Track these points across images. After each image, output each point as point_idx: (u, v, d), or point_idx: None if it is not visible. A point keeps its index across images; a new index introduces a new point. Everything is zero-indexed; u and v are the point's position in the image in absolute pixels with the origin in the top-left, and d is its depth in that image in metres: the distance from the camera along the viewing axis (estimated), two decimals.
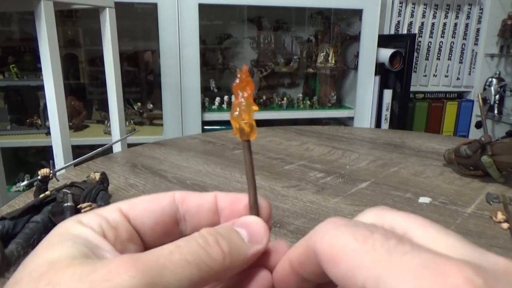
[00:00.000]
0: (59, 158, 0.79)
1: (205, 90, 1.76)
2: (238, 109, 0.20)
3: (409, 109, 1.94)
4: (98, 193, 0.49)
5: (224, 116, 1.67)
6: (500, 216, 0.51)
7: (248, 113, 0.20)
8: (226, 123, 1.65)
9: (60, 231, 0.16)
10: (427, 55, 2.01)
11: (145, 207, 0.19)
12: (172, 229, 0.20)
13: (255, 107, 0.20)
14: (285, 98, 1.80)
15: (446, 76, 2.06)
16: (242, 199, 0.20)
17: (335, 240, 0.15)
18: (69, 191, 0.45)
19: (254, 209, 0.20)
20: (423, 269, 0.12)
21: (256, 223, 0.19)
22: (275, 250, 0.19)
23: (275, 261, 0.19)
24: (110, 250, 0.16)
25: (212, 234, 0.17)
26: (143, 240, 0.19)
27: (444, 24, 1.98)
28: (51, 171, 0.49)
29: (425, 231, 0.15)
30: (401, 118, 1.81)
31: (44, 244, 0.16)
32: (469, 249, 0.14)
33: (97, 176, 0.54)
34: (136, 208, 0.19)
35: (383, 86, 1.78)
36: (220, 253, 0.16)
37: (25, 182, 0.52)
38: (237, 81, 0.20)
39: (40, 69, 0.77)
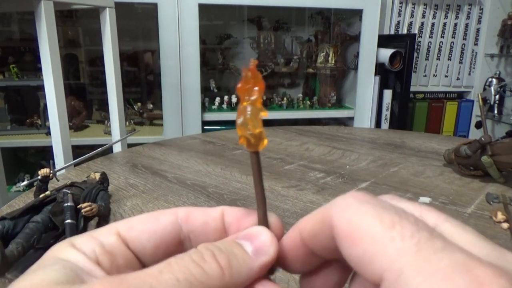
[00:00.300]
0: (59, 158, 0.79)
1: (205, 90, 1.76)
2: (242, 117, 0.17)
3: (409, 109, 1.94)
4: (98, 193, 0.49)
5: (224, 116, 1.67)
6: (500, 216, 0.51)
7: (255, 121, 0.17)
8: (226, 123, 1.65)
9: (51, 255, 0.16)
10: (427, 55, 2.01)
11: (144, 228, 0.18)
12: (176, 251, 0.18)
13: (264, 113, 0.17)
14: (285, 98, 1.80)
15: (446, 76, 2.06)
16: (251, 215, 0.19)
17: (357, 218, 0.14)
18: (69, 191, 0.45)
19: (263, 225, 0.18)
20: (454, 272, 0.11)
21: (260, 233, 0.17)
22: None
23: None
24: (102, 276, 0.15)
25: (209, 249, 0.16)
26: (143, 265, 0.18)
27: (444, 24, 1.98)
28: (51, 171, 0.49)
29: (448, 225, 0.14)
30: (401, 118, 1.81)
31: (33, 267, 0.15)
32: (488, 248, 0.13)
33: (97, 176, 0.54)
34: (134, 230, 0.17)
35: (383, 86, 1.78)
36: (217, 269, 0.15)
37: (25, 182, 0.52)
38: (242, 81, 0.17)
39: (40, 69, 0.77)
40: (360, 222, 0.13)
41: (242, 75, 0.17)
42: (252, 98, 0.17)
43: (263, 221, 0.18)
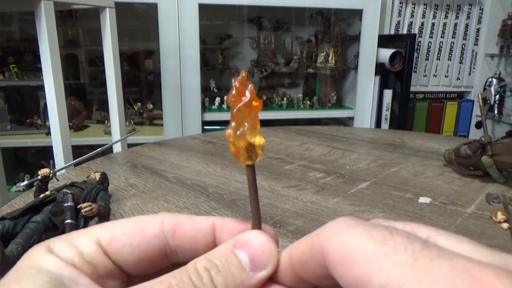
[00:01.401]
0: (59, 158, 0.79)
1: (205, 90, 1.76)
2: (236, 131, 0.17)
3: (409, 109, 1.94)
4: (98, 193, 0.49)
5: (224, 116, 1.67)
6: (500, 216, 0.51)
7: (250, 136, 0.17)
8: (226, 123, 1.63)
9: (28, 263, 0.15)
10: (427, 55, 2.01)
11: (127, 241, 0.17)
12: (160, 263, 0.17)
13: (256, 128, 0.17)
14: (285, 98, 1.80)
15: (446, 76, 2.06)
16: (244, 228, 0.18)
17: (349, 241, 0.13)
18: (69, 191, 0.45)
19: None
20: (455, 277, 0.11)
21: (259, 243, 0.16)
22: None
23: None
24: (89, 283, 0.15)
25: (207, 269, 0.15)
26: (126, 273, 0.17)
27: (444, 24, 1.98)
28: (51, 171, 0.49)
29: (442, 238, 0.14)
30: (401, 118, 1.81)
31: (10, 276, 0.14)
32: (489, 255, 0.13)
33: (97, 176, 0.54)
34: (116, 242, 0.16)
35: (383, 86, 1.78)
36: None
37: (25, 182, 0.52)
38: (233, 95, 0.17)
39: (40, 69, 0.77)
40: (352, 243, 0.13)
41: (233, 88, 0.17)
42: (247, 122, 0.17)
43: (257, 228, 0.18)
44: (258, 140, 0.17)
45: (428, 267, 0.11)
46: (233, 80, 0.17)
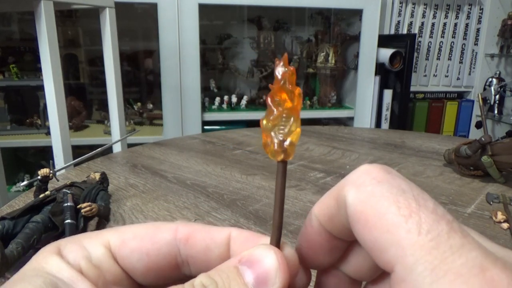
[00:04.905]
0: (59, 158, 0.79)
1: (205, 90, 1.76)
2: (274, 120, 0.15)
3: (409, 109, 1.94)
4: (98, 193, 0.49)
5: (224, 116, 1.67)
6: (500, 216, 0.51)
7: (294, 126, 0.15)
8: (226, 123, 1.65)
9: (34, 264, 0.15)
10: (427, 55, 2.01)
11: (137, 246, 0.16)
12: (170, 274, 0.16)
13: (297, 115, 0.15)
14: None
15: (446, 76, 2.06)
16: (259, 242, 0.16)
17: (372, 201, 0.13)
18: (69, 191, 0.45)
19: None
20: (467, 273, 0.11)
21: (265, 257, 0.15)
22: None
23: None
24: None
25: (204, 286, 0.14)
26: (134, 281, 0.16)
27: (444, 24, 1.98)
28: (51, 171, 0.49)
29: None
30: (401, 118, 1.81)
31: (16, 277, 0.14)
32: (494, 248, 0.12)
33: (97, 176, 0.54)
34: (126, 247, 0.16)
35: (383, 86, 1.78)
36: None
37: (25, 182, 0.52)
38: (279, 79, 0.15)
39: (40, 69, 0.77)
40: (375, 205, 0.12)
41: (277, 71, 0.15)
42: (290, 102, 0.15)
43: (276, 245, 0.16)
44: (295, 135, 0.15)
45: (444, 257, 0.11)
46: (275, 65, 0.15)
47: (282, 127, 0.15)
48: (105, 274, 0.15)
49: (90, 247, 0.15)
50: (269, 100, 0.15)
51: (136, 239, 0.16)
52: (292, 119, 0.15)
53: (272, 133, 0.15)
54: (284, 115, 0.15)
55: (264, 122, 0.15)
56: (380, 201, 0.12)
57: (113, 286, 0.15)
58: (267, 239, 0.16)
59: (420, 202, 0.12)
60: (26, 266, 0.15)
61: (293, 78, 0.15)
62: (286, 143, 0.15)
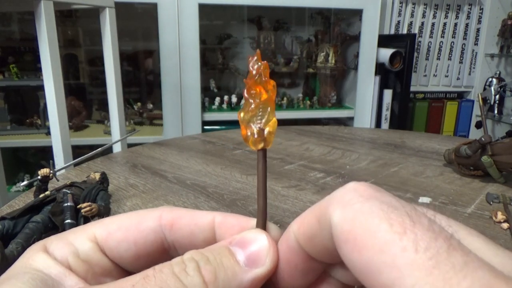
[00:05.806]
0: (59, 158, 0.79)
1: (205, 90, 1.76)
2: (252, 111, 0.16)
3: (409, 109, 1.94)
4: (98, 193, 0.49)
5: (224, 116, 1.67)
6: (500, 216, 0.51)
7: (271, 115, 0.16)
8: (226, 123, 1.65)
9: (22, 262, 0.15)
10: (427, 55, 2.01)
11: (123, 237, 0.16)
12: (159, 258, 0.16)
13: (271, 107, 0.16)
14: (285, 98, 1.80)
15: (446, 76, 2.06)
16: (247, 225, 0.16)
17: (361, 219, 0.11)
18: (69, 191, 0.45)
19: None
20: None
21: (256, 239, 0.15)
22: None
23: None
24: (75, 283, 0.14)
25: (194, 259, 0.14)
26: (124, 270, 0.16)
27: (444, 24, 1.98)
28: (51, 171, 0.49)
29: (463, 232, 0.12)
30: (401, 118, 1.81)
31: (3, 276, 0.14)
32: (500, 254, 0.12)
33: (97, 176, 0.53)
34: (112, 238, 0.16)
35: (383, 86, 1.78)
36: (199, 284, 0.13)
37: (25, 182, 0.52)
38: (252, 75, 0.16)
39: (40, 69, 0.77)
40: (365, 223, 0.11)
41: (251, 67, 0.16)
42: (261, 96, 0.16)
43: (262, 227, 0.16)
44: (272, 124, 0.16)
45: (447, 278, 0.10)
46: (249, 62, 0.16)
47: (259, 117, 0.16)
48: (94, 267, 0.15)
49: (77, 242, 0.16)
50: (245, 93, 0.16)
51: (121, 230, 0.16)
52: (268, 109, 0.16)
53: (252, 124, 0.16)
54: (260, 106, 0.16)
55: (242, 114, 0.16)
56: (370, 219, 0.11)
57: (103, 278, 0.15)
58: (253, 222, 0.16)
59: (414, 219, 0.11)
60: (13, 266, 0.15)
61: (267, 71, 0.16)
62: (265, 132, 0.16)
